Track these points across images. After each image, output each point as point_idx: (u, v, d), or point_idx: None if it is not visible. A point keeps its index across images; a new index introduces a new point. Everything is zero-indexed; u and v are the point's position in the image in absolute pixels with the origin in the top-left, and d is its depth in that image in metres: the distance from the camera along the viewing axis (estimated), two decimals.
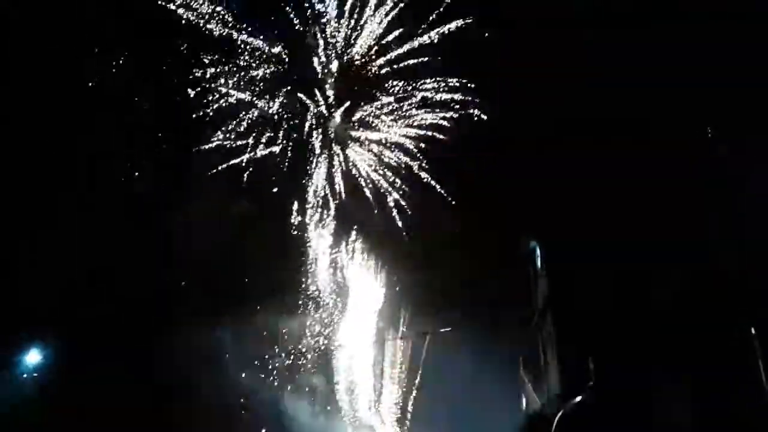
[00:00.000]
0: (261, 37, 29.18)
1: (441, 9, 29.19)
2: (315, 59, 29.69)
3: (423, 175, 30.35)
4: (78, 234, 26.54)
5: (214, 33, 28.54)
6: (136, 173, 28.37)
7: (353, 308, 31.40)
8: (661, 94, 24.70)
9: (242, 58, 29.07)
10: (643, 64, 25.32)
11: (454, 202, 29.63)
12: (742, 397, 20.73)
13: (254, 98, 29.37)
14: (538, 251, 27.48)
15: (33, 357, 25.97)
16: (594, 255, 23.93)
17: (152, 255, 27.84)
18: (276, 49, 29.37)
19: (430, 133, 30.21)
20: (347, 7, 29.79)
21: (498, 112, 28.69)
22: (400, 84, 30.22)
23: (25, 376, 25.98)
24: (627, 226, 23.59)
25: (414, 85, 30.15)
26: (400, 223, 30.39)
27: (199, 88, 28.41)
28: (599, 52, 25.29)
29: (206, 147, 29.00)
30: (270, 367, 30.27)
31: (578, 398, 23.45)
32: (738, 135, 23.47)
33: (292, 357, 30.71)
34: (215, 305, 28.45)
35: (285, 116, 30.01)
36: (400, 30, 29.78)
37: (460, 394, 28.07)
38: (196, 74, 28.41)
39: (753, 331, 21.62)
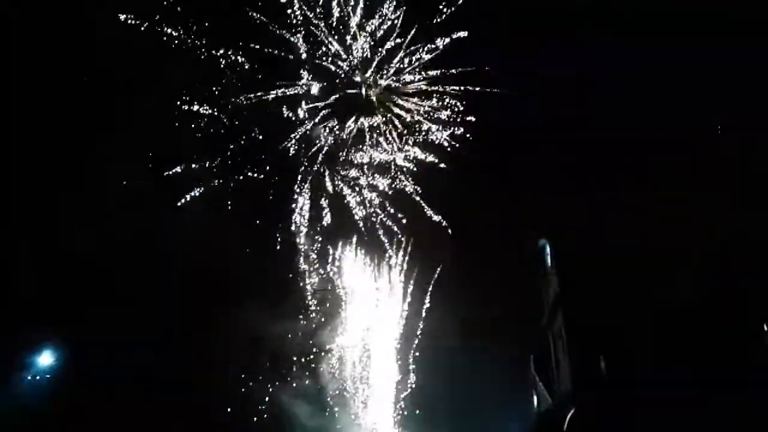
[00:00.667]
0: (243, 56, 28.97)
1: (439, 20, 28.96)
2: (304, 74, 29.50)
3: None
4: (80, 234, 26.85)
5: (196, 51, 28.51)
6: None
7: (347, 313, 31.40)
8: (670, 91, 24.51)
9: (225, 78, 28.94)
10: (651, 60, 25.11)
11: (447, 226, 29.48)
12: (757, 396, 20.50)
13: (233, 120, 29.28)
14: (547, 249, 27.36)
15: (45, 359, 26.23)
16: (604, 253, 23.78)
17: (152, 259, 28.01)
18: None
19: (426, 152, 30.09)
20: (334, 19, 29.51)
21: (504, 110, 28.47)
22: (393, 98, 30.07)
23: (38, 378, 26.23)
24: (637, 224, 23.43)
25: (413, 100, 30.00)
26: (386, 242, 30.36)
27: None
28: (605, 49, 25.12)
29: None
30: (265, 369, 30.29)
31: (590, 397, 23.38)
32: (747, 132, 23.21)
33: (289, 360, 30.76)
34: (210, 309, 28.64)
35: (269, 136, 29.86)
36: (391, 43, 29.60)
37: (470, 393, 28.00)
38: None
39: (766, 328, 21.47)
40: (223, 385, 28.99)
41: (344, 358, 30.91)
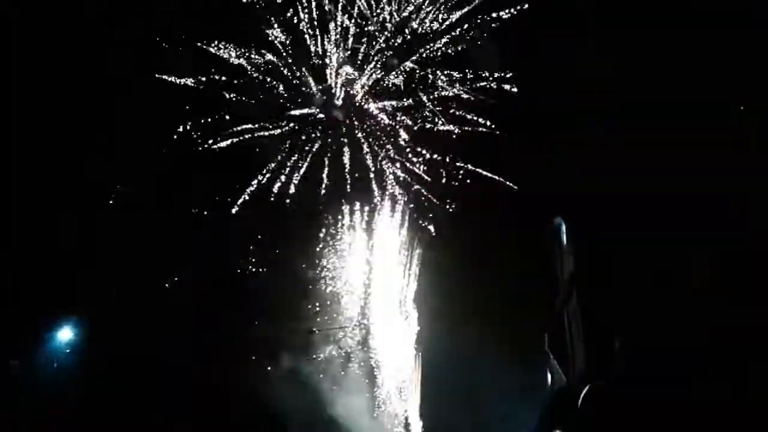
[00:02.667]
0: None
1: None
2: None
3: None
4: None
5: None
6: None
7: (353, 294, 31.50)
8: (694, 68, 24.02)
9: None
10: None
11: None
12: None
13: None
14: (563, 227, 27.16)
15: (65, 334, 26.42)
16: (621, 231, 23.63)
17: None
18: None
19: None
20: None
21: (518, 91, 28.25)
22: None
23: (58, 353, 26.52)
24: (657, 201, 23.19)
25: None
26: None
27: None
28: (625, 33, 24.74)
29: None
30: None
31: (604, 376, 23.42)
32: None
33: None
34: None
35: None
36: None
37: (480, 370, 28.00)
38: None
39: None
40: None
41: (348, 340, 31.19)
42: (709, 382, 21.10)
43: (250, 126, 30.16)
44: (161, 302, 28.46)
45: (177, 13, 28.37)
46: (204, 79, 29.60)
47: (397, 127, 30.98)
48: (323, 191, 30.84)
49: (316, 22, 29.91)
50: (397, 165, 31.03)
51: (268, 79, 30.51)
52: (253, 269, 30.87)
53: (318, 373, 30.31)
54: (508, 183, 29.50)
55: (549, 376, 27.40)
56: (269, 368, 29.50)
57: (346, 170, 31.05)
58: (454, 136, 30.55)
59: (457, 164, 30.40)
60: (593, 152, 25.43)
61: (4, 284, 25.27)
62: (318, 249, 31.55)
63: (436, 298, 30.54)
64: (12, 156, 26.64)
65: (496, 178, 29.77)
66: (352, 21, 30.09)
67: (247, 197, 30.04)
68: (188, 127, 29.34)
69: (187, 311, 28.23)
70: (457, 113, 30.51)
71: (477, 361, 28.14)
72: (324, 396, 29.79)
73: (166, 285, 29.45)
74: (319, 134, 30.93)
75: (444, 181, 30.65)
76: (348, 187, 31.03)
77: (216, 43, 29.44)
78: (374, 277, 31.83)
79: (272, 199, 30.27)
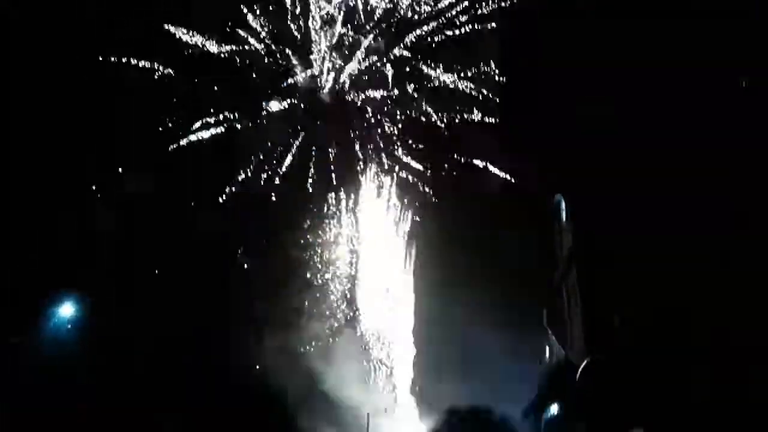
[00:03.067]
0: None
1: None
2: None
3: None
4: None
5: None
6: None
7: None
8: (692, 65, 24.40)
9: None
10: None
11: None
12: None
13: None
14: (563, 204, 27.61)
15: (67, 309, 25.95)
16: (620, 208, 24.04)
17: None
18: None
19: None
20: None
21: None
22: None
23: (59, 329, 26.01)
24: (655, 178, 23.64)
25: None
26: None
27: None
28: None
29: None
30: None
31: (602, 351, 23.89)
32: None
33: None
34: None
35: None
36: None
37: (480, 346, 28.11)
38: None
39: None
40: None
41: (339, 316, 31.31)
42: (707, 373, 21.37)
43: (238, 116, 30.12)
44: (157, 290, 28.20)
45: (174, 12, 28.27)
46: (190, 73, 29.48)
47: (385, 117, 31.12)
48: (311, 179, 30.82)
49: (298, 10, 29.99)
50: (383, 154, 31.17)
51: (255, 68, 30.46)
52: (244, 256, 30.77)
53: (311, 349, 30.28)
54: (502, 174, 29.76)
55: (548, 350, 27.85)
56: (263, 347, 29.39)
57: (332, 158, 31.10)
58: (443, 125, 30.75)
59: (448, 154, 30.64)
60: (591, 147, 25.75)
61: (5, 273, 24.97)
62: (308, 235, 31.54)
63: (433, 269, 30.59)
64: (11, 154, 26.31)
65: (488, 166, 30.03)
66: (341, 9, 30.19)
67: (235, 189, 29.97)
68: (178, 121, 29.27)
69: (184, 299, 28.01)
70: (447, 103, 30.75)
71: (474, 337, 28.23)
72: (317, 371, 29.76)
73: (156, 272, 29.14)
74: (307, 123, 30.93)
75: (430, 171, 30.84)
76: (334, 176, 31.11)
77: (206, 36, 29.34)
78: (364, 257, 31.91)
79: (258, 191, 30.24)
